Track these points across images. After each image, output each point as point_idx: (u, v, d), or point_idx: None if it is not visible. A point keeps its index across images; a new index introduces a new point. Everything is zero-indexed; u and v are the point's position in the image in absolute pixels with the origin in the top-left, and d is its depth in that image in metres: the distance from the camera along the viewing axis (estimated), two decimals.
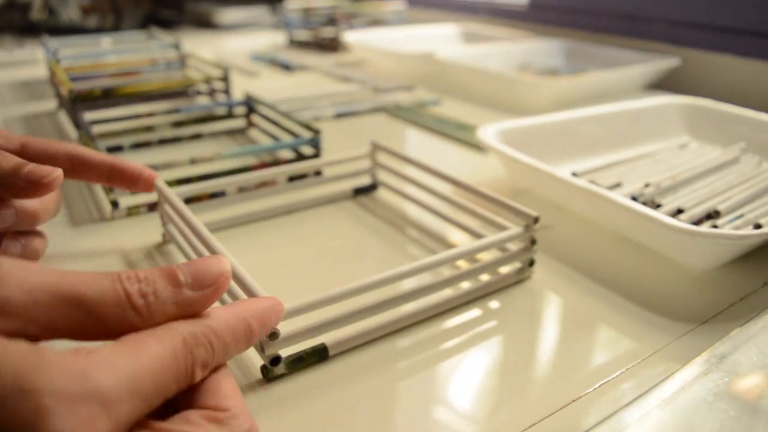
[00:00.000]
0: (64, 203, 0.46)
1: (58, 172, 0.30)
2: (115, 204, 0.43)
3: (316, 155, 0.52)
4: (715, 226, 0.39)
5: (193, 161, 0.49)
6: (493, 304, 0.34)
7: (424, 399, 0.27)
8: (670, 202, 0.43)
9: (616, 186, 0.46)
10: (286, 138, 0.55)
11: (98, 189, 0.49)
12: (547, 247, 0.40)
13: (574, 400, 0.27)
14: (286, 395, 0.27)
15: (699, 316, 0.33)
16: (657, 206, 0.42)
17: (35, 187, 0.30)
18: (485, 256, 0.37)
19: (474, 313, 0.33)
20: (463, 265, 0.36)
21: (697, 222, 0.40)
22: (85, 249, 0.39)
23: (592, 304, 0.34)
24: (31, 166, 0.30)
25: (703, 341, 0.31)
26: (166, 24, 1.38)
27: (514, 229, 0.35)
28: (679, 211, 0.41)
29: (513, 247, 0.36)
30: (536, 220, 0.34)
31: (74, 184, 0.50)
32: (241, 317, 0.22)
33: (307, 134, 0.53)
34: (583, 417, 0.26)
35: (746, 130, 0.55)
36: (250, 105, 0.63)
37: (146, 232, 0.42)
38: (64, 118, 0.69)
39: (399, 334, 0.31)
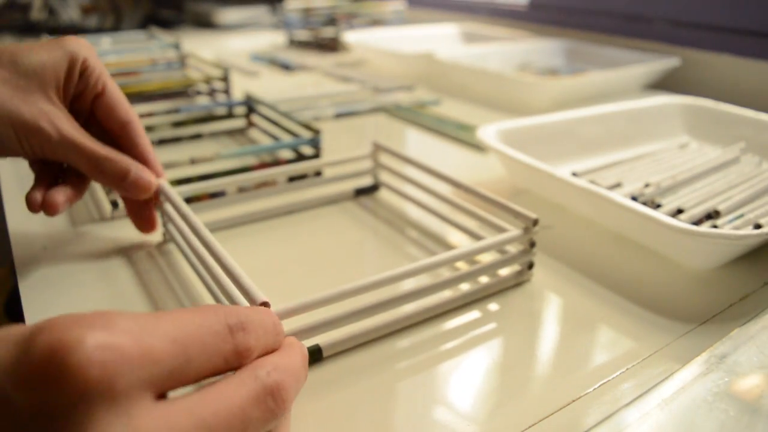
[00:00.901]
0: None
1: (153, 185, 0.37)
2: (114, 204, 0.43)
3: (316, 155, 0.52)
4: (715, 226, 0.39)
5: (193, 161, 0.49)
6: (493, 305, 0.34)
7: (423, 400, 0.27)
8: (670, 202, 0.43)
9: (616, 186, 0.46)
10: (286, 138, 0.55)
11: (98, 188, 0.49)
12: (547, 247, 0.40)
13: (574, 400, 0.27)
14: None
15: (699, 316, 0.33)
16: (657, 206, 0.42)
17: (134, 193, 0.37)
18: (485, 258, 0.37)
19: (473, 314, 0.33)
20: (462, 266, 0.37)
21: (697, 222, 0.40)
22: (85, 249, 0.40)
23: (591, 305, 0.34)
24: (133, 176, 0.36)
25: (703, 341, 0.31)
26: (166, 24, 1.38)
27: (513, 231, 0.35)
28: (679, 211, 0.41)
29: (512, 249, 0.36)
30: (535, 222, 0.34)
31: None
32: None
33: (307, 134, 0.53)
34: (583, 417, 0.26)
35: (746, 130, 0.55)
36: (250, 105, 0.63)
37: None
38: None
39: (398, 336, 0.31)
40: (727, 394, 0.27)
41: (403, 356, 0.30)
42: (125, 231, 0.42)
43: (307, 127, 0.53)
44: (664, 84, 0.83)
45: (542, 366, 0.29)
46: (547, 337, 0.31)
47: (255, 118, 0.63)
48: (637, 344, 0.31)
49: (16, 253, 0.39)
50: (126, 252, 0.39)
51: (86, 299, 0.34)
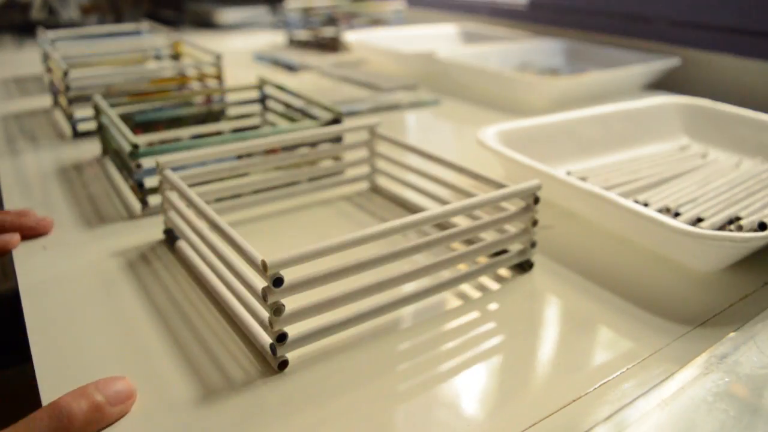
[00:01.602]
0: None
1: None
2: (144, 203, 0.44)
3: (338, 139, 0.50)
4: (740, 228, 0.39)
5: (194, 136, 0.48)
6: (493, 305, 0.34)
7: (424, 400, 0.27)
8: (659, 201, 0.43)
9: (616, 187, 0.46)
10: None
11: (98, 190, 0.49)
12: (547, 248, 0.40)
13: (574, 400, 0.27)
14: (292, 396, 0.27)
15: (699, 316, 0.33)
16: (659, 208, 0.42)
17: None
18: (488, 237, 0.38)
19: (473, 314, 0.33)
20: (465, 247, 0.37)
21: (694, 223, 0.40)
22: (85, 249, 0.40)
23: (591, 305, 0.34)
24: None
25: (703, 341, 0.31)
26: (166, 24, 1.38)
27: (513, 187, 0.35)
28: (676, 214, 0.41)
29: (513, 228, 0.36)
30: (537, 200, 0.35)
31: (100, 183, 0.50)
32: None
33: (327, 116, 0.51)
34: (583, 417, 0.26)
35: (746, 130, 0.55)
36: (264, 97, 0.62)
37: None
38: (59, 116, 0.69)
39: (398, 336, 0.31)
40: (727, 394, 0.27)
41: (403, 357, 0.30)
42: (124, 231, 0.42)
43: (329, 109, 0.51)
44: (664, 84, 0.83)
45: (542, 366, 0.29)
46: (547, 337, 0.32)
47: (268, 112, 0.63)
48: (636, 344, 0.31)
49: (16, 253, 0.39)
50: (124, 252, 0.39)
51: (85, 299, 0.34)
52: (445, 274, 0.34)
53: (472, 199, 0.33)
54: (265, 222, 0.44)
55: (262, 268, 0.26)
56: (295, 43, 1.18)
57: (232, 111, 0.66)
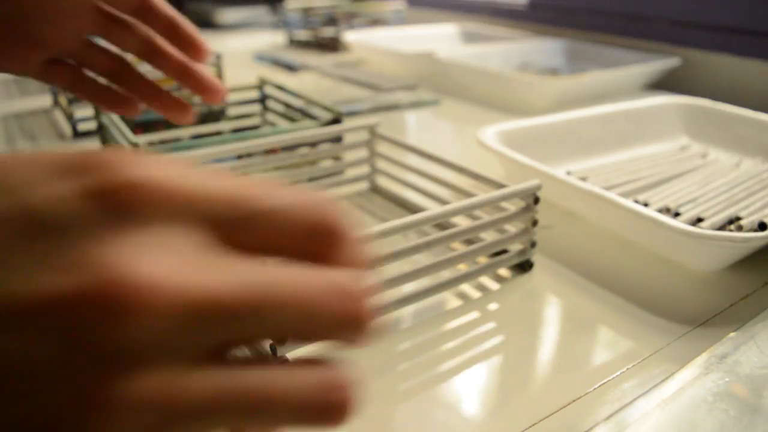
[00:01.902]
0: None
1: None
2: None
3: (338, 139, 0.50)
4: (740, 228, 0.39)
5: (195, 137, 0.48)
6: (493, 305, 0.34)
7: (424, 400, 0.27)
8: (659, 201, 0.43)
9: (616, 187, 0.46)
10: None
11: None
12: (546, 248, 0.40)
13: (574, 400, 0.27)
14: None
15: (699, 316, 0.33)
16: (659, 208, 0.42)
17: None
18: (488, 237, 0.38)
19: (473, 314, 0.33)
20: (465, 247, 0.37)
21: (694, 223, 0.40)
22: None
23: (591, 305, 0.34)
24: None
25: (703, 341, 0.31)
26: None
27: (513, 187, 0.35)
28: (676, 214, 0.41)
29: (513, 228, 0.36)
30: (537, 200, 0.35)
31: None
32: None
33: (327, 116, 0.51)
34: (584, 417, 0.26)
35: (746, 130, 0.55)
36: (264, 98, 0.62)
37: None
38: (59, 116, 0.69)
39: (399, 337, 0.31)
40: (727, 394, 0.27)
41: (403, 357, 0.30)
42: None
43: (329, 109, 0.51)
44: (664, 84, 0.83)
45: (542, 366, 0.29)
46: (547, 337, 0.32)
47: (269, 106, 0.63)
48: (636, 344, 0.31)
49: None
50: None
51: None
52: (445, 274, 0.34)
53: (472, 199, 0.33)
54: None
55: None
56: (295, 43, 1.18)
57: (232, 111, 0.66)
